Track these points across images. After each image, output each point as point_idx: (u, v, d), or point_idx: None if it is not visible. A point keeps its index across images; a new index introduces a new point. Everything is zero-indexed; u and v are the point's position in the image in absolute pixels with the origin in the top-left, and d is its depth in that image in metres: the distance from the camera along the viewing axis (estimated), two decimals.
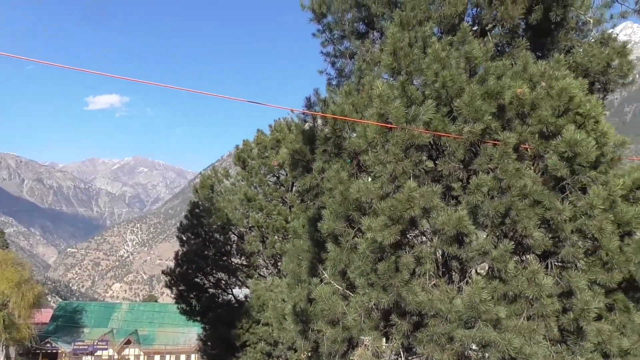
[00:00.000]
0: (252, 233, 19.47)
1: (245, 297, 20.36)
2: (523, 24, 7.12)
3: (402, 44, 6.06)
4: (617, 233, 5.34)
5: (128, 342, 50.03)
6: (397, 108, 5.49)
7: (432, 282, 5.86)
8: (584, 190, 5.36)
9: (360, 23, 8.84)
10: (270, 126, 20.91)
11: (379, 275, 5.79)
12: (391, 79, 6.37)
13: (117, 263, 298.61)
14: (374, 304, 6.01)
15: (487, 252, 5.45)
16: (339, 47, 9.90)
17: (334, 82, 10.12)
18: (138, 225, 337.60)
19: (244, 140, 20.97)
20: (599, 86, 7.26)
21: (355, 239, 6.42)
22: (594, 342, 5.28)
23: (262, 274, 20.40)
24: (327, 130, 7.27)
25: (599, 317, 5.36)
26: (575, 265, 5.46)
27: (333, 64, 10.35)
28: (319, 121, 7.88)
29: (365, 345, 6.11)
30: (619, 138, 5.38)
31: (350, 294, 6.67)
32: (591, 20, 6.99)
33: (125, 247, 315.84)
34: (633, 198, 5.55)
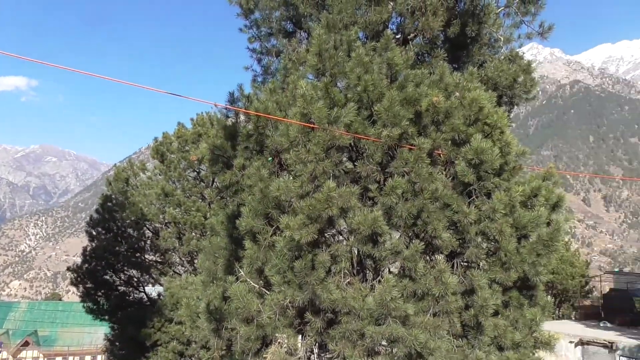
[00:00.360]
0: (168, 229, 18.82)
1: (159, 295, 19.63)
2: (442, 36, 7.51)
3: (328, 46, 6.16)
4: (515, 235, 5.79)
5: (26, 344, 46.31)
6: (319, 109, 5.57)
7: (347, 280, 6.00)
8: (488, 195, 5.75)
9: (288, 22, 8.87)
10: (192, 120, 20.33)
11: (295, 273, 5.83)
12: (315, 79, 6.45)
13: (16, 259, 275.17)
14: (290, 302, 6.05)
15: (400, 252, 5.68)
16: (265, 44, 9.86)
17: (259, 79, 10.06)
18: (43, 218, 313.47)
19: (163, 133, 20.21)
20: (506, 99, 7.84)
21: (274, 237, 6.41)
22: (490, 336, 5.69)
23: (177, 271, 19.78)
24: (249, 127, 7.21)
25: (496, 313, 5.79)
26: (478, 265, 5.86)
27: (259, 60, 10.28)
28: (242, 117, 7.79)
29: (279, 342, 6.13)
30: (520, 148, 5.83)
31: (266, 292, 6.65)
32: (502, 38, 7.52)
33: (27, 242, 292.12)
34: (530, 204, 6.03)
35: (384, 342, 5.66)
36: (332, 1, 6.82)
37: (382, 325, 5.43)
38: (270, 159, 6.75)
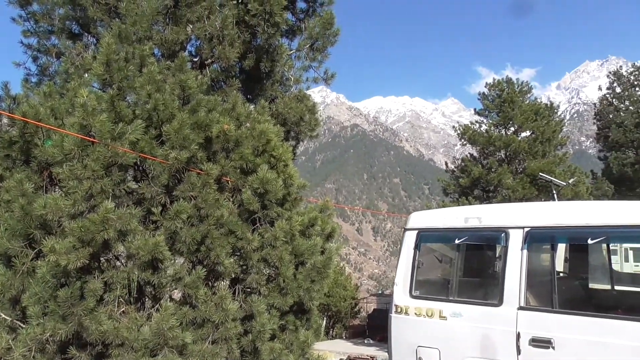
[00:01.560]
0: None
1: None
2: (239, 67, 7.77)
3: (118, 57, 5.78)
4: (294, 262, 6.19)
5: None
6: (102, 122, 5.14)
7: (122, 310, 5.56)
8: (272, 223, 6.05)
9: (74, 23, 8.06)
10: None
11: (59, 303, 5.15)
12: (101, 90, 5.97)
13: None
14: (50, 336, 5.30)
15: (181, 278, 5.53)
16: (45, 42, 8.77)
17: (33, 80, 8.86)
18: None
19: None
20: (293, 135, 8.47)
21: (36, 261, 5.60)
22: (267, 359, 5.90)
23: None
24: (14, 132, 6.23)
25: (272, 337, 6.03)
26: (259, 291, 6.06)
27: (35, 59, 9.09)
28: (5, 120, 6.69)
29: None
30: (301, 181, 6.32)
31: (22, 325, 5.71)
32: (292, 78, 8.16)
33: None
34: (308, 233, 6.54)
35: None
36: (127, 11, 6.47)
37: (157, 356, 5.16)
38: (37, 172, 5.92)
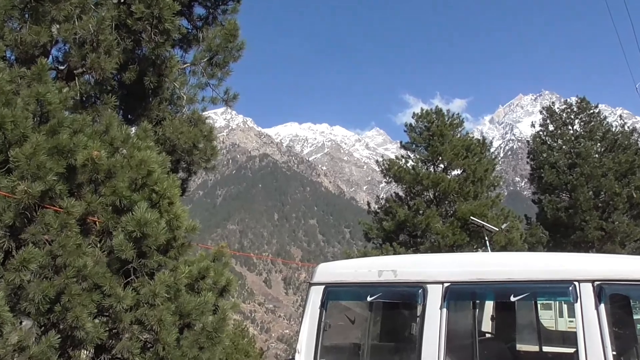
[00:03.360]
0: None
1: None
2: (117, 80, 7.53)
3: None
4: (178, 325, 5.94)
5: None
6: None
7: None
8: (151, 275, 5.79)
9: None
10: None
11: None
12: None
13: None
14: None
15: (26, 348, 5.10)
16: None
17: None
18: None
19: None
20: (185, 165, 8.30)
21: None
22: None
23: None
24: None
25: None
26: None
27: None
28: None
29: None
30: (191, 223, 6.15)
31: None
32: (185, 97, 8.04)
33: None
34: (197, 288, 6.33)
35: None
36: None
37: None
38: None
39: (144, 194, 5.63)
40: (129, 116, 7.67)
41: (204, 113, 8.73)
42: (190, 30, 9.06)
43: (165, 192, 5.65)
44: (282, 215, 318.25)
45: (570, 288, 4.01)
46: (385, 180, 24.90)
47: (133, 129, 6.62)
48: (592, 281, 3.95)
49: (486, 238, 16.02)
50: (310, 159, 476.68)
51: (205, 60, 8.43)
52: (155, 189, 5.61)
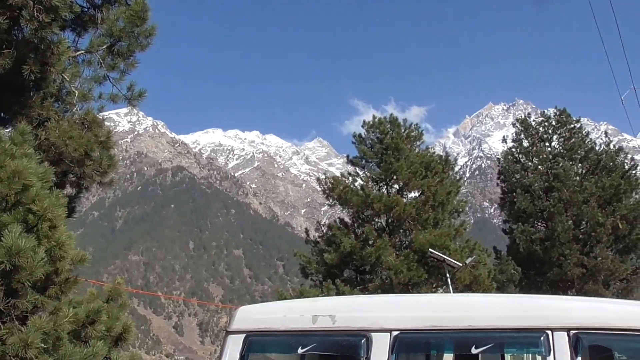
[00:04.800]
0: None
1: None
2: None
3: None
4: None
5: None
6: None
7: None
8: (23, 320, 5.58)
9: None
10: None
11: None
12: None
13: None
14: None
15: None
16: None
17: None
18: None
19: None
20: (74, 179, 8.04)
21: None
22: None
23: None
24: None
25: None
26: None
27: None
28: None
29: None
30: (79, 253, 5.98)
31: None
32: (77, 92, 7.83)
33: None
34: (85, 336, 6.14)
35: None
36: None
37: None
38: None
39: (17, 215, 5.45)
40: (2, 114, 7.41)
41: (101, 114, 8.49)
42: (86, 9, 8.81)
43: (46, 213, 5.48)
44: (199, 243, 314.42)
45: (542, 338, 4.10)
46: (328, 202, 25.02)
47: (7, 131, 6.39)
48: (568, 329, 4.05)
49: (448, 275, 16.37)
50: (236, 175, 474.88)
51: (104, 47, 8.25)
52: (33, 208, 5.45)
